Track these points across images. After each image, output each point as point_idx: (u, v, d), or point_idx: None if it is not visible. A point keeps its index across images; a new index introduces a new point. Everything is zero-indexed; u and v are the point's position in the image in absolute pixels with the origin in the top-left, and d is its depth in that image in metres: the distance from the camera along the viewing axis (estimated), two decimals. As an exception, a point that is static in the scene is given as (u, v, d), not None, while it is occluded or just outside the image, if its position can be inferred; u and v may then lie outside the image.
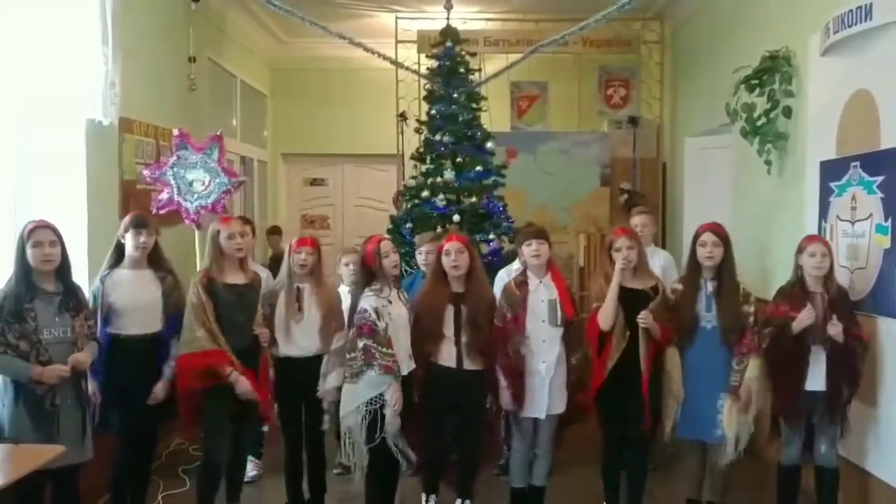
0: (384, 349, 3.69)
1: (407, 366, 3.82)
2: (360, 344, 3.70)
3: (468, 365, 3.89)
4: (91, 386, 3.61)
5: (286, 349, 3.98)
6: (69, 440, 3.21)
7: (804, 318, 3.68)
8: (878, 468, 3.84)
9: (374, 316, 3.71)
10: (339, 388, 3.82)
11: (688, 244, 4.09)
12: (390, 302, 3.80)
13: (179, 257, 4.16)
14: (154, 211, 4.44)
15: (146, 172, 4.52)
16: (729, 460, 3.84)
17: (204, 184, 4.41)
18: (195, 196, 4.39)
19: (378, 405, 3.69)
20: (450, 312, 3.88)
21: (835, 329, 3.63)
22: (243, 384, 3.70)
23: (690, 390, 3.88)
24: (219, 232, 3.83)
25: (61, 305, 3.34)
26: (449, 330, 3.88)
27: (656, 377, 3.89)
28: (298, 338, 3.96)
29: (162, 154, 5.44)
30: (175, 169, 4.39)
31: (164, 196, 4.41)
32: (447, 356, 3.89)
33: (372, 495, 3.96)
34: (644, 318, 3.77)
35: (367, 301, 3.76)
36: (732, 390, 3.80)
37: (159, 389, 3.76)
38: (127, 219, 3.85)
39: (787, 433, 3.84)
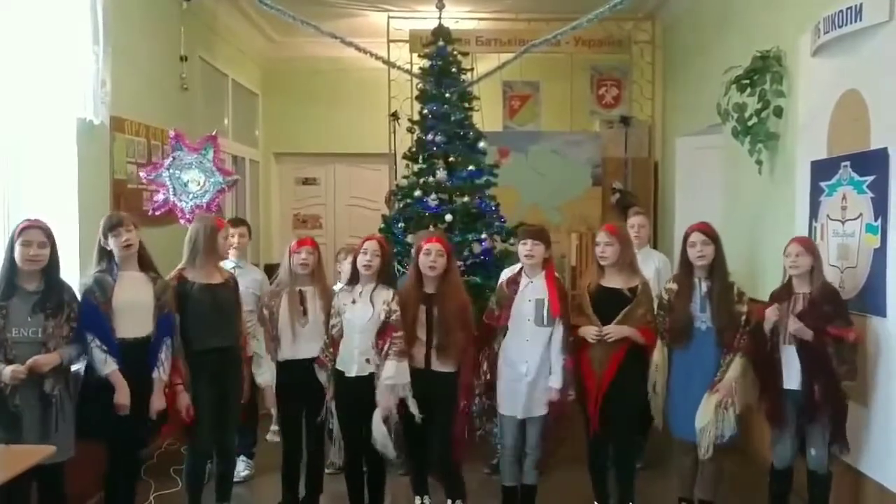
0: (327, 345, 3.92)
1: (358, 368, 3.82)
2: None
3: (437, 366, 3.88)
4: (123, 395, 3.52)
5: (291, 352, 3.96)
6: (32, 441, 3.18)
7: (769, 316, 3.74)
8: (870, 468, 3.86)
9: (333, 311, 3.91)
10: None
11: (679, 243, 4.10)
12: (354, 301, 3.87)
13: (171, 258, 4.13)
14: (150, 212, 4.45)
15: (142, 174, 4.52)
16: (703, 454, 3.84)
17: (199, 184, 4.43)
18: (190, 196, 4.41)
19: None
20: (422, 313, 3.88)
21: (793, 325, 3.66)
22: (181, 400, 3.71)
23: (684, 390, 3.88)
24: (200, 231, 3.82)
25: (36, 305, 3.31)
26: (421, 331, 3.88)
27: (631, 379, 3.89)
28: (302, 342, 3.95)
29: (153, 153, 5.43)
30: (171, 170, 4.40)
31: (159, 197, 4.41)
32: (417, 357, 3.89)
33: (352, 493, 4.00)
34: (612, 333, 3.82)
35: (335, 298, 3.96)
36: (712, 385, 3.81)
37: (157, 400, 3.67)
38: (102, 223, 3.72)
39: (777, 435, 3.84)
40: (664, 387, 3.93)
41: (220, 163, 4.52)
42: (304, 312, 3.94)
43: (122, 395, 3.51)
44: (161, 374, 3.66)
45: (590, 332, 3.86)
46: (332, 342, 3.90)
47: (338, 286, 4.42)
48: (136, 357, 3.64)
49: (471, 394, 4.00)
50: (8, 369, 3.18)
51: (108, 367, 3.49)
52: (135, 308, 3.66)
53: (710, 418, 3.79)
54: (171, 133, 4.47)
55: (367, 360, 3.82)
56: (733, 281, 3.93)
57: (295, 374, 3.95)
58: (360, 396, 3.81)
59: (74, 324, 3.44)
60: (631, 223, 4.75)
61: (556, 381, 3.89)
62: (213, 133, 4.61)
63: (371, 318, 3.81)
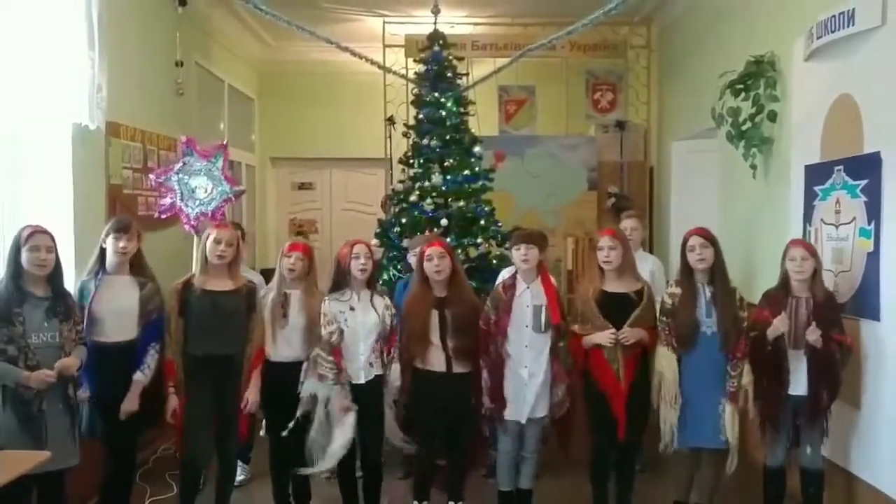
0: (325, 356, 3.77)
1: (366, 374, 3.83)
2: (313, 351, 3.82)
3: (457, 368, 3.90)
4: (81, 391, 3.56)
5: (272, 354, 3.96)
6: (56, 445, 3.20)
7: (778, 325, 3.71)
8: (862, 470, 3.87)
9: (322, 321, 3.80)
10: (314, 396, 3.83)
11: (675, 247, 4.12)
12: (352, 308, 3.84)
13: (172, 262, 4.13)
14: (156, 215, 4.46)
15: (152, 176, 4.54)
16: (733, 468, 3.85)
17: (206, 191, 4.44)
18: (196, 203, 4.42)
19: (319, 412, 3.78)
20: (434, 318, 3.89)
21: (813, 336, 3.65)
22: (170, 404, 3.71)
23: (690, 396, 3.87)
24: (207, 237, 3.82)
25: (49, 311, 3.32)
26: (435, 335, 3.89)
27: (642, 380, 3.91)
28: (281, 344, 3.94)
29: (149, 158, 5.44)
30: (180, 175, 4.41)
31: (166, 201, 4.42)
32: (436, 361, 3.90)
33: (347, 497, 4.02)
34: (626, 336, 3.82)
35: (324, 306, 3.86)
36: (731, 396, 3.81)
37: (128, 402, 3.68)
38: (110, 222, 3.82)
39: (772, 435, 3.86)
40: (675, 398, 3.89)
41: (227, 172, 4.54)
42: (285, 315, 3.93)
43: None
44: (143, 377, 3.70)
45: (606, 336, 3.83)
46: (334, 352, 3.79)
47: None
48: (119, 360, 3.68)
49: (482, 395, 4.00)
50: (39, 373, 3.19)
51: None
52: (118, 313, 3.70)
53: (735, 431, 3.80)
54: (183, 139, 4.49)
55: (371, 365, 3.86)
56: (734, 287, 3.94)
57: (276, 377, 3.93)
58: (369, 401, 3.84)
59: (79, 327, 3.47)
60: (623, 226, 4.74)
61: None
62: (224, 142, 4.66)
63: (377, 324, 3.85)
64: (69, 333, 3.38)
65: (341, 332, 3.81)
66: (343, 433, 3.78)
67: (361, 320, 3.84)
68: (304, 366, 3.86)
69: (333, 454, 3.79)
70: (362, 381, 3.83)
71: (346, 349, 3.83)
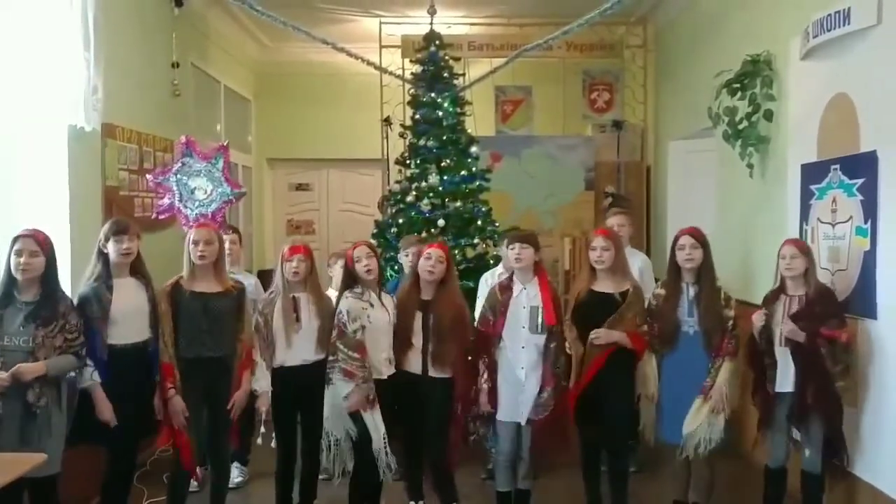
0: (349, 352, 3.78)
1: (387, 370, 3.88)
2: (337, 346, 3.81)
3: (433, 373, 3.91)
4: (106, 410, 3.54)
5: (285, 358, 3.93)
6: (11, 450, 3.13)
7: (754, 321, 3.77)
8: (862, 470, 3.87)
9: (345, 317, 3.81)
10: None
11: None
12: (371, 305, 3.88)
13: (172, 263, 4.10)
14: (154, 216, 4.44)
15: (150, 176, 4.52)
16: (689, 456, 3.86)
17: (206, 192, 4.43)
18: (196, 204, 4.41)
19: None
20: (418, 320, 3.92)
21: (786, 328, 3.67)
22: (174, 405, 3.65)
23: (672, 394, 3.90)
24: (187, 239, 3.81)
25: (29, 315, 3.29)
26: (417, 338, 3.91)
27: (622, 381, 3.90)
28: (299, 347, 3.92)
29: (145, 160, 5.43)
30: (179, 175, 4.40)
31: (164, 201, 4.42)
32: (413, 363, 3.93)
33: (355, 501, 3.98)
34: (601, 336, 3.83)
35: (344, 303, 3.88)
36: (703, 391, 3.82)
37: (158, 401, 3.70)
38: (107, 226, 3.76)
39: (768, 435, 3.86)
40: (655, 396, 3.95)
41: (228, 174, 4.53)
42: (298, 318, 3.92)
43: (106, 411, 3.54)
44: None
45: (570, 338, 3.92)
46: (360, 348, 3.79)
47: (330, 292, 4.41)
48: (134, 362, 3.67)
49: (466, 400, 4.00)
50: None
51: (87, 380, 3.51)
52: (132, 315, 3.68)
53: (699, 424, 3.80)
54: (182, 139, 4.48)
55: (389, 361, 3.89)
56: (720, 285, 3.95)
57: (289, 380, 3.92)
58: (395, 395, 3.88)
59: (70, 335, 3.40)
60: (609, 224, 4.69)
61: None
62: (225, 143, 4.66)
63: (390, 321, 3.91)
64: (47, 340, 3.30)
65: (363, 328, 3.83)
66: (377, 429, 3.80)
67: (380, 317, 3.89)
68: (332, 366, 3.83)
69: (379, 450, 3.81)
70: (384, 376, 3.87)
71: (370, 345, 3.85)
